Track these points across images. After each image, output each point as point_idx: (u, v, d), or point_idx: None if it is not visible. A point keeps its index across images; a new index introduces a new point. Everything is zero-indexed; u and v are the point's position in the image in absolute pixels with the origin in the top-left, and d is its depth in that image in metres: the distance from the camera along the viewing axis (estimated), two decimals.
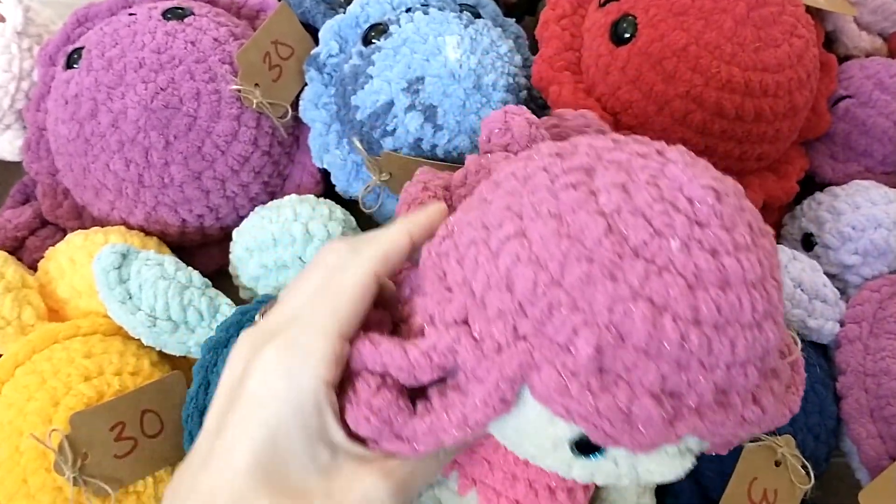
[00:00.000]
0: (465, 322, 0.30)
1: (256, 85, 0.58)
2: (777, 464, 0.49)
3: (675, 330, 0.27)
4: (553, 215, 0.29)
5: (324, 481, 0.32)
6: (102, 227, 0.59)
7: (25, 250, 0.62)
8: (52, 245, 0.58)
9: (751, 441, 0.48)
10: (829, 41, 0.68)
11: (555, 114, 0.45)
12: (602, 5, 0.58)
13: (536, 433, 0.31)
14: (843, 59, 0.67)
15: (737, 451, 0.48)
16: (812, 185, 0.64)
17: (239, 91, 0.57)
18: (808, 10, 0.59)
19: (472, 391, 0.30)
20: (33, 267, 0.59)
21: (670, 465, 0.31)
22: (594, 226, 0.28)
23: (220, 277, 0.59)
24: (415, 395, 0.33)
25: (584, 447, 0.31)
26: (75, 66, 0.58)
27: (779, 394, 0.32)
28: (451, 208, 0.37)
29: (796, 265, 0.53)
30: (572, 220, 0.29)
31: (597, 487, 0.42)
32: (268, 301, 0.55)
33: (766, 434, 0.49)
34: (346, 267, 0.35)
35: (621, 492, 0.42)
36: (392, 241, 0.35)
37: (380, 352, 0.32)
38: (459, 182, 0.39)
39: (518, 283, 0.29)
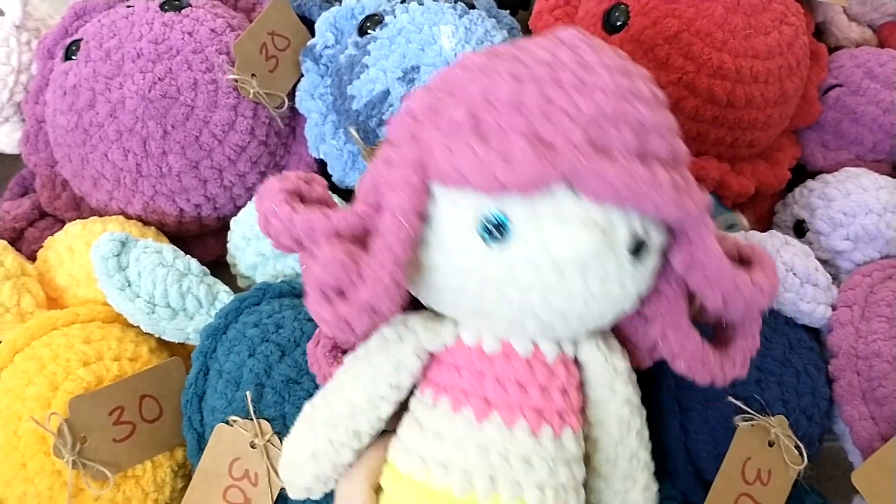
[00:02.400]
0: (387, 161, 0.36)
1: (253, 75, 0.58)
2: (770, 444, 0.50)
3: (535, 90, 0.33)
4: (463, 66, 0.37)
5: None
6: (101, 217, 0.60)
7: (24, 241, 0.63)
8: (51, 236, 0.59)
9: (744, 421, 0.49)
10: (820, 32, 0.69)
11: None
12: None
13: (452, 239, 0.35)
14: (834, 49, 0.68)
15: (731, 433, 0.49)
16: (804, 173, 0.64)
17: (236, 81, 0.58)
18: (800, 0, 0.60)
19: (389, 202, 0.35)
20: (32, 258, 0.59)
21: (578, 233, 0.33)
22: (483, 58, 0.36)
23: (217, 268, 0.59)
24: None
25: (490, 230, 0.34)
26: (73, 57, 0.59)
27: (679, 183, 0.34)
28: None
29: (788, 250, 0.53)
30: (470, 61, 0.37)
31: (586, 440, 0.42)
32: (266, 289, 0.55)
33: (760, 415, 0.49)
34: None
35: (613, 437, 0.41)
36: None
37: (326, 214, 0.36)
38: None
39: (416, 105, 0.37)
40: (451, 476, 0.37)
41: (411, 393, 0.41)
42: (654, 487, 0.44)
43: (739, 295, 0.36)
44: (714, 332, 0.41)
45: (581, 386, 0.41)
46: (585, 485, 0.42)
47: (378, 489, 0.40)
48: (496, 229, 0.34)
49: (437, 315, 0.40)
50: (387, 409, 0.40)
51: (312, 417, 0.41)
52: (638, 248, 0.35)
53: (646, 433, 0.43)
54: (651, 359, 0.42)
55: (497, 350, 0.39)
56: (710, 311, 0.38)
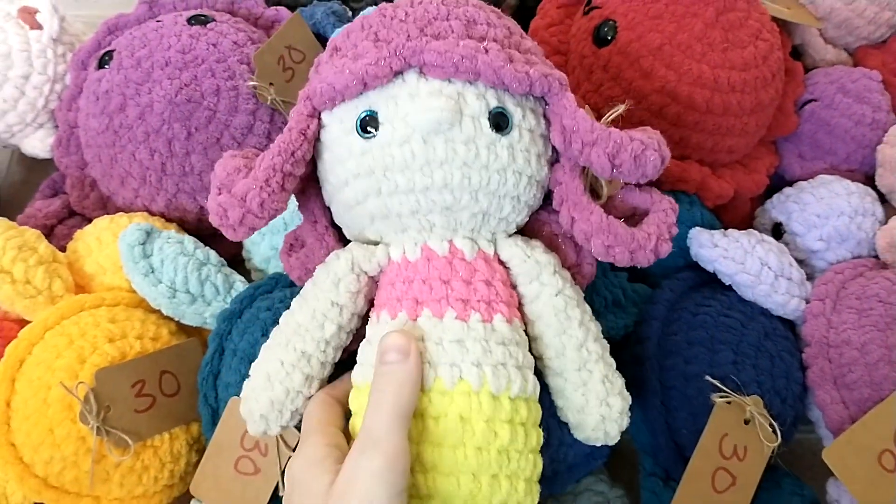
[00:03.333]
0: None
1: (271, 84, 0.63)
2: (746, 422, 0.53)
3: (377, 14, 0.44)
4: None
5: None
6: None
7: (54, 237, 0.67)
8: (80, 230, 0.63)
9: (720, 399, 0.52)
10: (798, 53, 0.73)
11: None
12: (586, 13, 0.63)
13: (340, 147, 0.42)
14: (811, 69, 0.72)
15: (709, 411, 0.52)
16: (783, 184, 0.68)
17: (255, 88, 0.62)
18: (776, 21, 0.64)
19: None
20: (61, 252, 0.63)
21: (427, 102, 0.40)
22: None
23: (233, 266, 0.63)
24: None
25: (366, 126, 0.41)
26: (106, 66, 0.64)
27: (515, 56, 0.41)
28: None
29: (763, 246, 0.57)
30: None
31: (533, 340, 0.46)
32: (278, 278, 0.59)
33: (735, 394, 0.52)
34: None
35: (554, 328, 0.45)
36: None
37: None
38: None
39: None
40: None
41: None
42: (619, 382, 0.46)
43: (620, 148, 0.40)
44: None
45: (514, 286, 0.45)
46: (549, 388, 0.46)
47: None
48: (369, 123, 0.41)
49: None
50: (330, 329, 0.44)
51: (267, 344, 0.46)
52: (500, 123, 0.41)
53: (594, 327, 0.46)
54: (581, 275, 0.47)
55: (419, 256, 0.44)
56: (601, 169, 0.41)
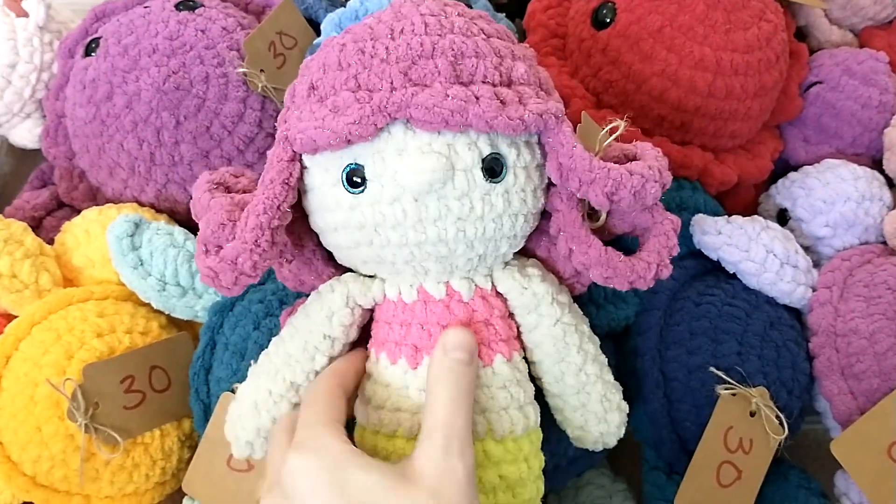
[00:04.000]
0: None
1: (262, 70, 0.62)
2: (752, 414, 0.51)
3: (354, 47, 0.39)
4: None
5: None
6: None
7: (42, 229, 0.66)
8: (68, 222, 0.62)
9: (725, 390, 0.51)
10: (803, 35, 0.72)
11: None
12: None
13: (327, 198, 0.40)
14: (815, 51, 0.71)
15: (713, 403, 0.51)
16: (787, 169, 0.67)
17: (245, 75, 0.61)
18: (780, 1, 0.63)
19: (263, 178, 0.40)
20: (49, 244, 0.62)
21: (416, 161, 0.37)
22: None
23: None
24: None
25: (352, 180, 0.39)
26: (93, 54, 0.63)
27: (509, 97, 0.38)
28: None
29: (768, 233, 0.56)
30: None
31: (532, 364, 0.45)
32: (270, 271, 0.57)
33: (740, 385, 0.51)
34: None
35: (553, 357, 0.44)
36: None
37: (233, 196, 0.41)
38: None
39: (288, 91, 0.42)
40: (402, 423, 0.41)
41: None
42: (617, 397, 0.46)
43: (619, 186, 0.38)
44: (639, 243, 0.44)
45: (512, 315, 0.44)
46: (547, 407, 0.46)
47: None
48: (356, 177, 0.39)
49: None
50: (321, 361, 0.43)
51: (255, 371, 0.45)
52: (494, 168, 0.39)
53: (592, 348, 0.45)
54: (580, 283, 0.46)
55: (415, 298, 0.42)
56: (599, 206, 0.40)
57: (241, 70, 0.60)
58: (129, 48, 0.60)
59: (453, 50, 0.38)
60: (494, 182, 0.39)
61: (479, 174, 0.38)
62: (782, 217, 0.63)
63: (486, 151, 0.39)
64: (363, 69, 0.38)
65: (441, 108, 0.36)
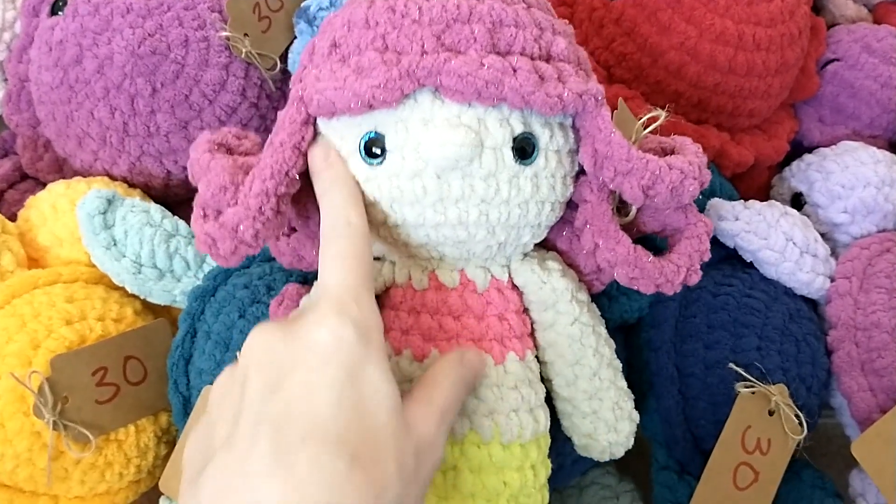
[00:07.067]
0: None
1: (246, 35, 0.57)
2: (770, 413, 0.49)
3: (383, 4, 0.35)
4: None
5: None
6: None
7: (4, 203, 0.62)
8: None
9: (745, 388, 0.48)
10: (817, 9, 0.69)
11: None
12: None
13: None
14: (830, 27, 0.68)
15: (731, 401, 0.48)
16: (801, 150, 0.64)
17: (227, 39, 0.56)
18: None
19: (272, 139, 0.38)
20: (12, 220, 0.58)
21: (443, 134, 0.34)
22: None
23: None
24: None
25: (370, 150, 0.36)
26: (60, 12, 0.58)
27: (548, 73, 0.35)
28: None
29: (788, 220, 0.53)
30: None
31: (544, 364, 0.42)
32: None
33: (760, 383, 0.48)
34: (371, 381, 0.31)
35: (567, 359, 0.41)
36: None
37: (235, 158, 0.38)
38: None
39: (305, 49, 0.39)
40: None
41: None
42: (629, 406, 0.44)
43: (657, 179, 0.36)
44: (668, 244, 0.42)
45: (526, 311, 0.41)
46: (554, 410, 0.43)
47: None
48: (374, 147, 0.36)
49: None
50: None
51: None
52: (525, 148, 0.36)
53: (608, 352, 0.43)
54: (599, 281, 0.43)
55: (426, 286, 0.40)
56: (632, 200, 0.37)
57: (224, 34, 0.56)
58: (100, 7, 0.55)
59: (492, 16, 0.35)
60: (524, 164, 0.36)
61: (508, 154, 0.35)
62: (797, 201, 0.60)
63: (519, 130, 0.35)
64: (392, 29, 0.35)
65: (475, 77, 0.33)
